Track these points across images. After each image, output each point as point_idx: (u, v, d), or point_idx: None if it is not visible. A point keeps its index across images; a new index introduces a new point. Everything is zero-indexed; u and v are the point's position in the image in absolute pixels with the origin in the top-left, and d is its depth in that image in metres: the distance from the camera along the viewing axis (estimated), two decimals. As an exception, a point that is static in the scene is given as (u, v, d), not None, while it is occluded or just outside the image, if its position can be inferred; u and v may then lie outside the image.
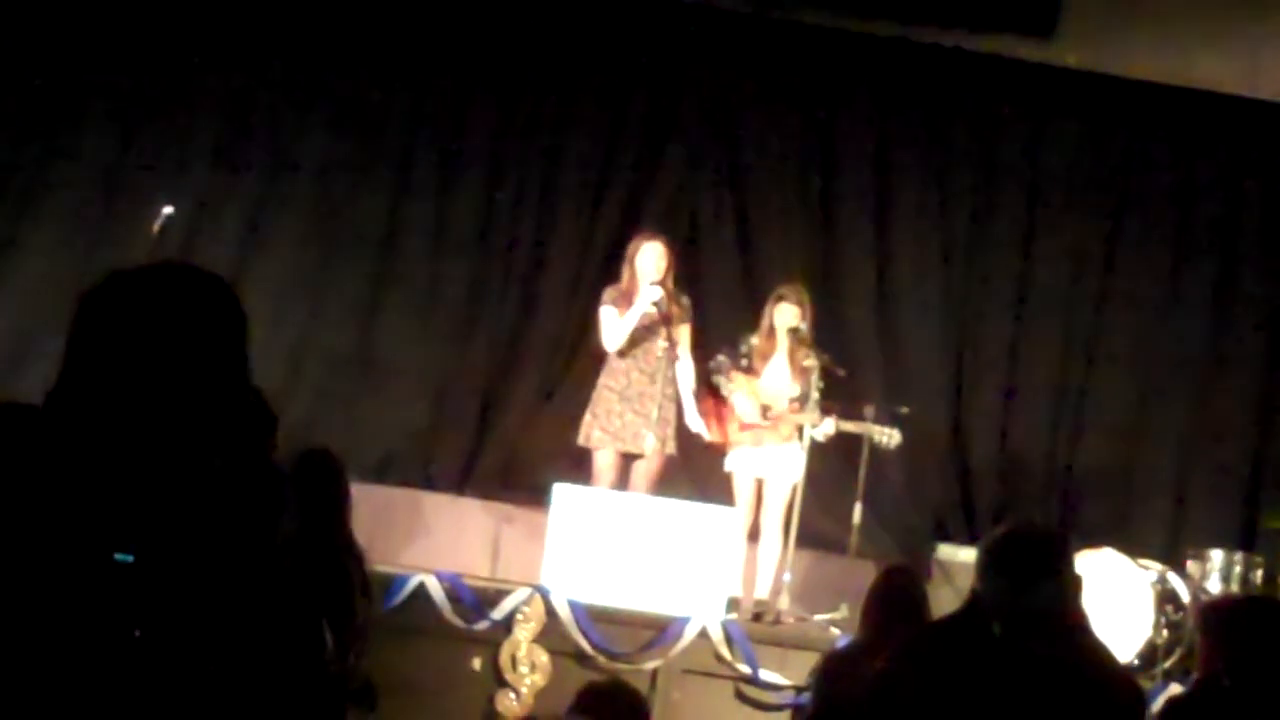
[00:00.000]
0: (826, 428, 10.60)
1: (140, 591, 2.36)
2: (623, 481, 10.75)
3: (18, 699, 2.32)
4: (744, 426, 10.75)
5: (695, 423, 10.89)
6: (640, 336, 10.80)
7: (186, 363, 2.44)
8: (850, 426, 10.71)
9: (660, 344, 10.76)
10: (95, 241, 12.51)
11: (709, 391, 10.92)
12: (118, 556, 2.36)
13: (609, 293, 11.00)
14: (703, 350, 11.18)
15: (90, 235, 12.57)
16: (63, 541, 2.36)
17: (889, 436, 10.70)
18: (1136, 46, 12.48)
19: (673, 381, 10.81)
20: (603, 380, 10.92)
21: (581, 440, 10.91)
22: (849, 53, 13.08)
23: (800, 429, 10.63)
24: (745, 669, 9.63)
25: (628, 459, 10.80)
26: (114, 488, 2.39)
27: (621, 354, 10.82)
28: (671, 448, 10.82)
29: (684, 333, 10.93)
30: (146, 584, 2.37)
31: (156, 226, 10.82)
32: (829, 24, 12.82)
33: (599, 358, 11.09)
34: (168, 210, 10.90)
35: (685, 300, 11.04)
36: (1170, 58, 12.57)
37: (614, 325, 10.82)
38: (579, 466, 11.11)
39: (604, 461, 10.80)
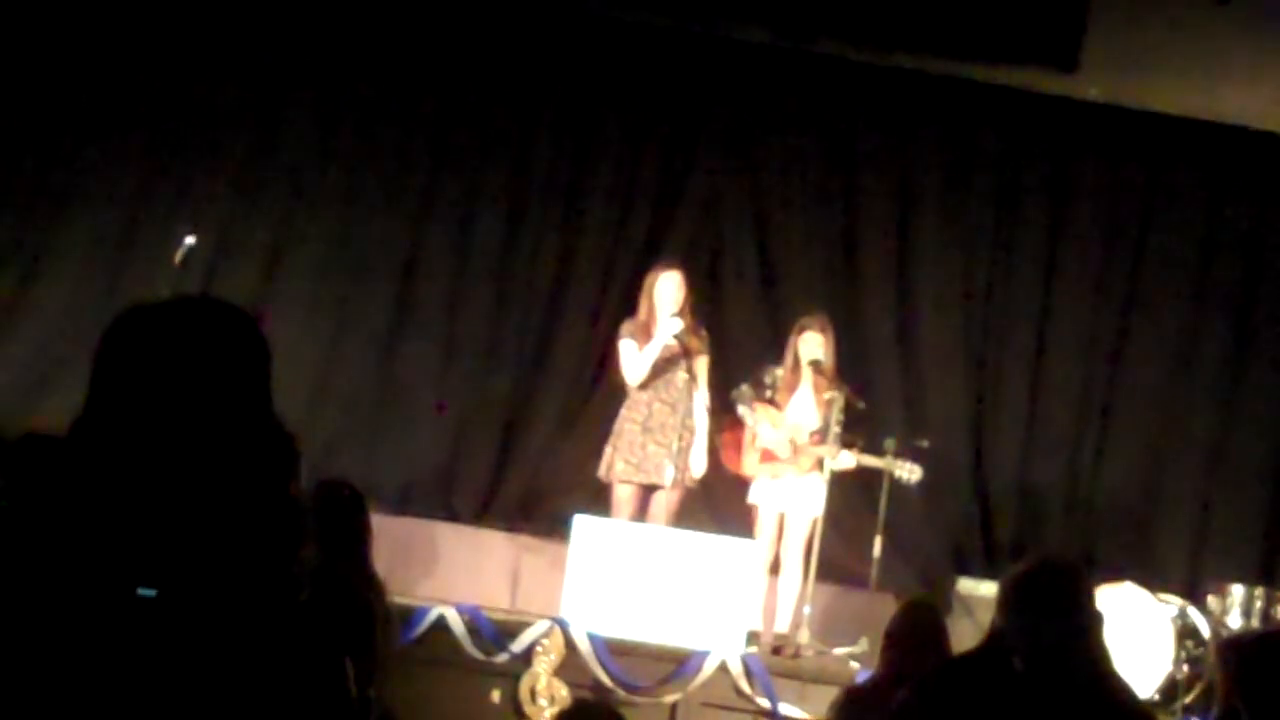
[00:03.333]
0: (846, 461, 10.58)
1: (163, 626, 2.36)
2: (641, 513, 10.74)
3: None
4: (766, 458, 10.72)
5: (699, 460, 10.86)
6: (661, 368, 10.79)
7: (210, 396, 2.45)
8: (871, 461, 10.69)
9: (680, 375, 10.77)
10: (117, 271, 12.57)
11: (730, 421, 10.91)
12: (140, 591, 2.36)
13: (627, 326, 11.00)
14: (724, 381, 11.18)
15: (112, 265, 12.63)
16: (85, 575, 2.37)
17: (910, 472, 10.66)
18: (1160, 80, 12.48)
19: (692, 413, 10.80)
20: (625, 413, 10.91)
21: (603, 473, 10.90)
22: (870, 85, 13.09)
23: (821, 462, 10.61)
24: (764, 703, 9.61)
25: (647, 490, 10.79)
26: (137, 521, 2.39)
27: (643, 386, 10.82)
28: (692, 481, 10.80)
29: (701, 364, 10.92)
30: (169, 618, 2.37)
31: (179, 256, 10.85)
32: (850, 56, 12.84)
33: (621, 390, 11.08)
34: (190, 240, 10.93)
35: (703, 332, 11.02)
36: (1194, 91, 12.57)
37: (634, 359, 10.81)
38: (599, 498, 11.10)
39: (624, 493, 10.78)
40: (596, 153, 13.29)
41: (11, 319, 12.64)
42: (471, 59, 13.08)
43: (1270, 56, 11.69)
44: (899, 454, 10.72)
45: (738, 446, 10.87)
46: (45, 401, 11.61)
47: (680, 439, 10.67)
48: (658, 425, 10.73)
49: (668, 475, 10.56)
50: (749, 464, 10.82)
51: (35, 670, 2.32)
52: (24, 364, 12.40)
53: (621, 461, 10.77)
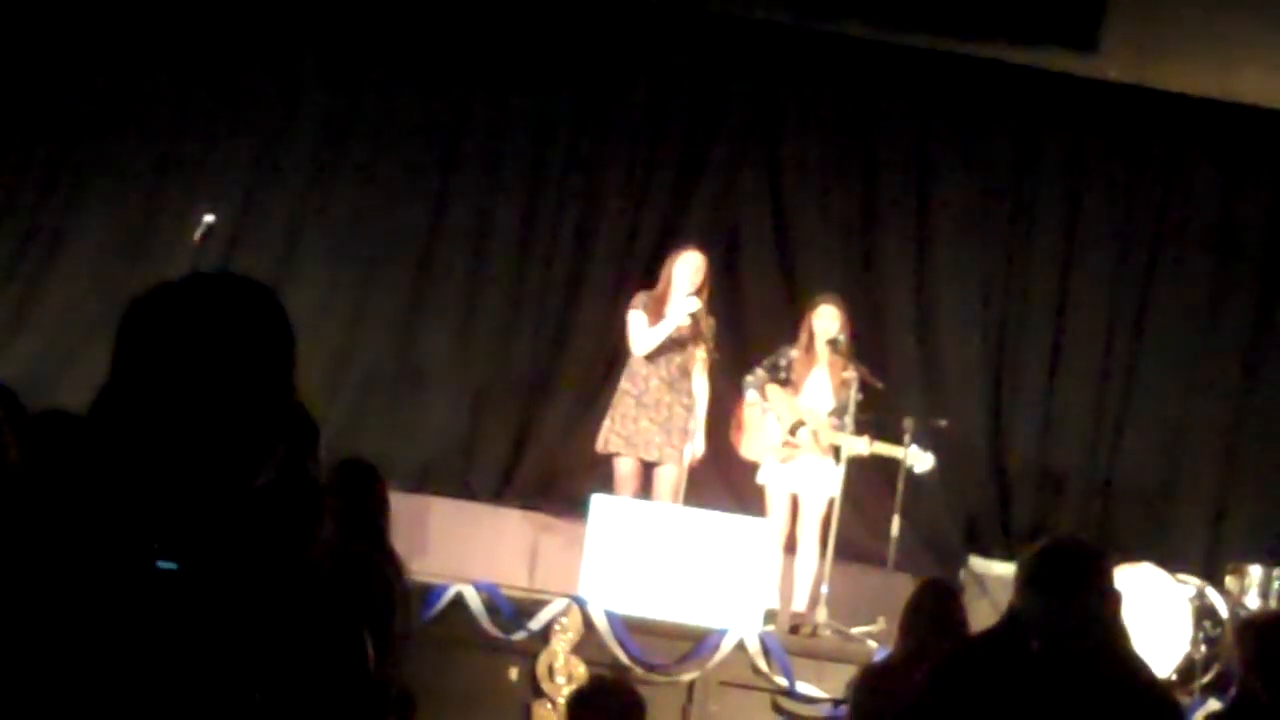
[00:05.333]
0: (860, 448, 10.57)
1: (182, 599, 2.37)
2: (645, 489, 10.74)
3: (58, 704, 2.33)
4: (777, 441, 10.73)
5: (698, 440, 10.87)
6: (666, 345, 10.78)
7: (232, 373, 2.45)
8: (883, 450, 10.67)
9: (694, 354, 10.76)
10: (138, 249, 12.60)
11: (744, 404, 10.90)
12: (160, 564, 2.37)
13: (640, 297, 10.99)
14: (742, 363, 11.18)
15: (132, 243, 12.66)
16: (106, 547, 2.38)
17: (922, 462, 10.65)
18: (1179, 59, 12.46)
19: (690, 393, 10.81)
20: (622, 384, 10.92)
21: (600, 445, 10.90)
22: (889, 65, 13.07)
23: (836, 446, 10.61)
24: (782, 681, 9.62)
25: (649, 467, 10.79)
26: (158, 496, 2.40)
27: (647, 359, 10.79)
28: (692, 459, 10.80)
29: (707, 348, 10.89)
30: (189, 591, 2.38)
31: (198, 235, 10.86)
32: (869, 36, 12.82)
33: (623, 361, 11.09)
34: (209, 218, 10.94)
35: (710, 318, 10.99)
36: (1214, 71, 12.54)
37: (643, 331, 10.81)
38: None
39: (625, 469, 10.78)
40: (615, 132, 13.29)
41: (34, 296, 12.68)
42: (491, 36, 13.08)
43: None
44: (917, 435, 10.72)
45: (749, 429, 10.87)
46: (68, 378, 11.64)
47: (677, 418, 10.67)
48: (653, 401, 10.73)
49: (665, 453, 10.60)
50: (760, 447, 10.82)
51: (55, 642, 2.33)
52: (47, 341, 12.44)
53: (615, 434, 10.78)
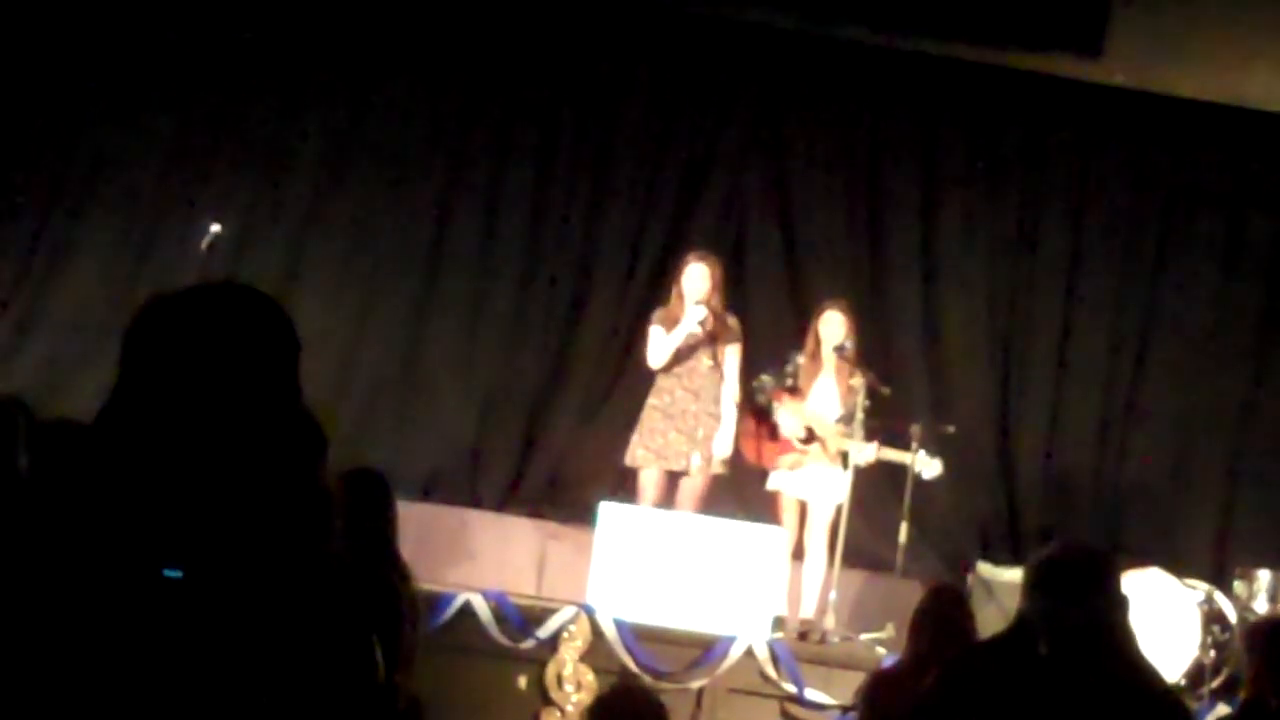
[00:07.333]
0: (868, 454, 10.56)
1: (188, 607, 2.37)
2: (668, 500, 10.73)
3: (64, 712, 2.33)
4: (786, 448, 10.72)
5: (723, 444, 10.84)
6: (686, 355, 10.78)
7: (238, 383, 2.46)
8: (891, 455, 10.66)
9: (705, 363, 10.76)
10: (143, 259, 12.61)
11: (752, 411, 10.90)
12: (166, 572, 2.37)
13: (657, 314, 11.01)
14: (748, 369, 11.18)
15: (138, 253, 12.67)
16: (112, 556, 2.38)
17: (930, 468, 10.64)
18: (1186, 64, 12.43)
19: (718, 401, 10.80)
20: (650, 400, 10.92)
21: (627, 459, 10.91)
22: (895, 71, 13.07)
23: (844, 452, 10.60)
24: (791, 688, 9.62)
25: (673, 477, 10.78)
26: (164, 504, 2.40)
27: (666, 372, 10.80)
28: (718, 467, 10.80)
29: (732, 353, 10.90)
30: (195, 600, 2.38)
31: (204, 244, 10.87)
32: (875, 42, 12.81)
33: (647, 377, 11.08)
34: (215, 228, 10.95)
35: (733, 321, 11.00)
36: (1220, 76, 12.52)
37: (658, 344, 10.81)
38: (625, 484, 11.11)
39: (648, 480, 10.78)
40: (621, 138, 13.28)
41: (40, 306, 12.68)
42: (496, 42, 13.07)
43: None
44: (925, 441, 10.70)
45: (758, 436, 10.87)
46: (74, 387, 11.63)
47: (704, 427, 10.67)
48: (679, 412, 10.73)
49: (692, 463, 10.57)
50: (769, 454, 10.82)
51: (61, 650, 2.33)
52: (53, 350, 12.44)
53: (643, 448, 10.79)
